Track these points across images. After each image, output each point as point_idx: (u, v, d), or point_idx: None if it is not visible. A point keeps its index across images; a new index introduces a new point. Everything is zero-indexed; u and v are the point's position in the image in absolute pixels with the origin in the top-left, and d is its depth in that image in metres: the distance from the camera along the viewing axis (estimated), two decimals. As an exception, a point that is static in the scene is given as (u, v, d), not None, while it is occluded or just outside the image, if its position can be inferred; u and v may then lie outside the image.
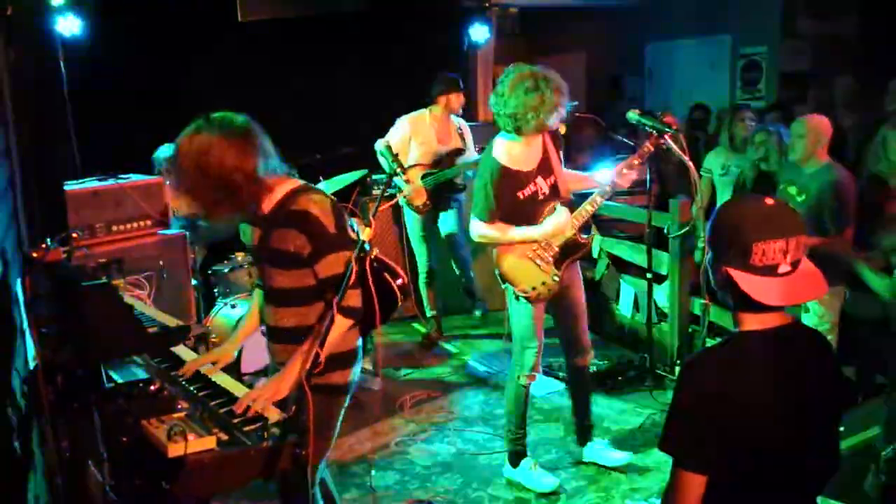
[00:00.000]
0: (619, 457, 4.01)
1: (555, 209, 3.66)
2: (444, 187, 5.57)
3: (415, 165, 5.52)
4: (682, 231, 4.92)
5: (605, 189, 3.68)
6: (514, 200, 3.62)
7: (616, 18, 8.16)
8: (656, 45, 8.89)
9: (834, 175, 4.36)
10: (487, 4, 6.47)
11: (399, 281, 3.44)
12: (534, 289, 3.66)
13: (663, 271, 5.17)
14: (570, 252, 3.72)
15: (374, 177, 5.88)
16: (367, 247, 2.61)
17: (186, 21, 5.90)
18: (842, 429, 3.18)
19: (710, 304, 4.71)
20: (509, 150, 3.64)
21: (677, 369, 5.00)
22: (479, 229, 3.67)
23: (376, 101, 6.33)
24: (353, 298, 2.62)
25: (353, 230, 2.79)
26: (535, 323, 3.74)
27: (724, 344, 1.93)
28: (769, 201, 1.87)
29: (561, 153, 3.82)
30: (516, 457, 3.93)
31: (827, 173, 4.37)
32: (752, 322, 1.87)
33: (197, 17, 5.94)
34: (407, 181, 5.39)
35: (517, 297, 3.70)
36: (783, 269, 1.80)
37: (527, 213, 3.66)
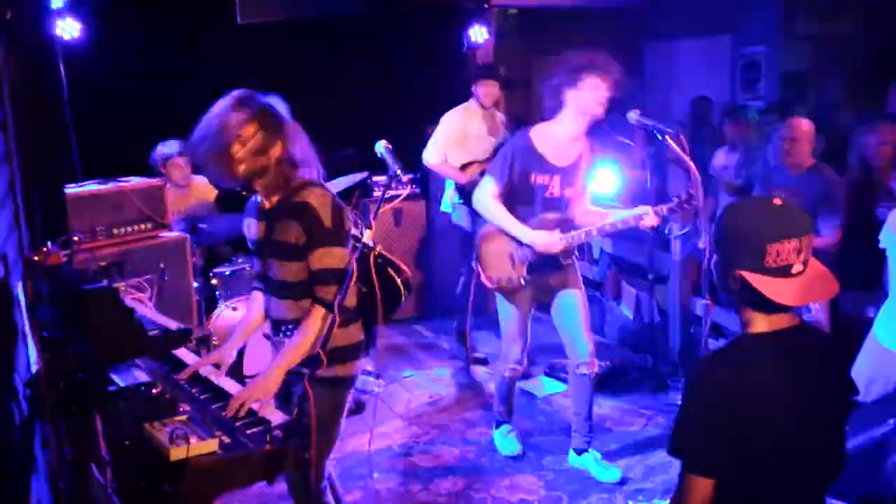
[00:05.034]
0: (611, 471, 3.92)
1: (556, 227, 3.72)
2: None
3: (471, 163, 5.25)
4: (684, 232, 4.92)
5: (605, 227, 3.74)
6: (524, 179, 3.69)
7: (615, 19, 8.15)
8: (655, 45, 8.89)
9: (824, 177, 4.40)
10: (487, 5, 6.46)
11: (402, 277, 3.45)
12: (498, 279, 3.81)
13: (664, 272, 5.17)
14: (545, 264, 3.77)
15: (375, 178, 5.87)
16: (370, 243, 2.63)
17: (186, 24, 5.90)
18: (847, 429, 3.19)
19: (712, 305, 4.73)
20: (546, 135, 3.70)
21: (679, 370, 5.00)
22: (485, 195, 3.74)
23: (376, 103, 6.33)
24: (347, 297, 2.63)
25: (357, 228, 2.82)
26: (520, 320, 3.92)
27: (733, 346, 1.91)
28: (777, 202, 1.85)
29: (586, 182, 3.86)
30: (497, 424, 4.30)
31: (817, 175, 4.41)
32: (762, 324, 1.86)
33: (196, 21, 5.94)
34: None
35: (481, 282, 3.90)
36: (796, 268, 1.79)
37: (528, 199, 3.73)
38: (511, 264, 3.78)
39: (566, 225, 3.75)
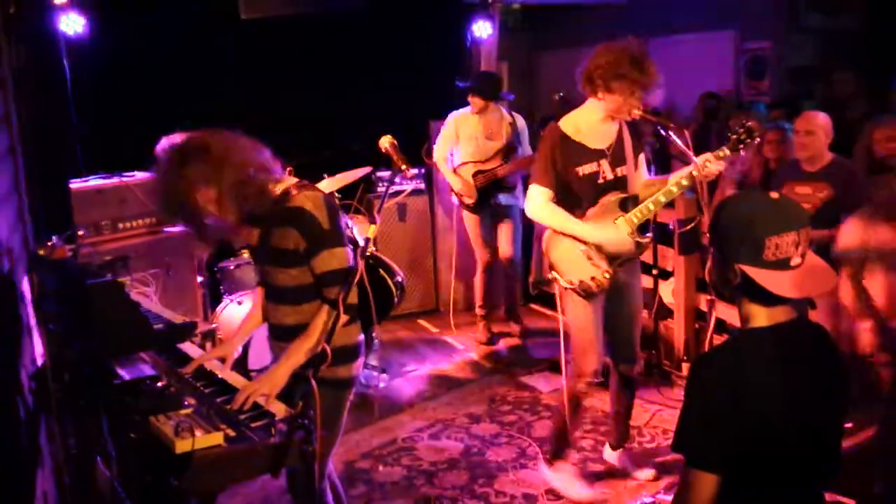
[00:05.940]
0: (645, 472, 3.88)
1: (617, 221, 3.42)
2: (493, 186, 5.48)
3: (465, 163, 5.45)
4: (688, 227, 4.91)
5: (670, 190, 3.39)
6: (572, 174, 3.40)
7: (619, 13, 8.14)
8: (660, 39, 8.86)
9: (843, 169, 4.36)
10: (490, 0, 6.46)
11: (397, 279, 3.44)
12: (581, 282, 3.41)
13: (669, 267, 5.16)
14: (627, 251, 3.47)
15: (379, 173, 5.87)
16: (362, 245, 2.62)
17: (189, 19, 5.90)
18: (849, 425, 3.19)
19: (716, 300, 4.72)
20: (576, 122, 3.45)
21: (683, 365, 5.00)
22: (537, 203, 3.41)
23: (380, 98, 6.32)
24: (350, 294, 2.63)
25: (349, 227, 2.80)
26: (596, 323, 3.50)
27: (734, 342, 1.91)
28: (774, 195, 1.87)
29: (643, 157, 3.60)
30: (554, 457, 3.79)
31: (836, 168, 4.37)
32: (762, 318, 1.86)
33: (199, 15, 5.94)
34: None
35: (567, 289, 3.46)
36: (795, 261, 1.80)
37: (584, 192, 3.42)
38: (589, 261, 3.40)
39: (630, 203, 3.46)
